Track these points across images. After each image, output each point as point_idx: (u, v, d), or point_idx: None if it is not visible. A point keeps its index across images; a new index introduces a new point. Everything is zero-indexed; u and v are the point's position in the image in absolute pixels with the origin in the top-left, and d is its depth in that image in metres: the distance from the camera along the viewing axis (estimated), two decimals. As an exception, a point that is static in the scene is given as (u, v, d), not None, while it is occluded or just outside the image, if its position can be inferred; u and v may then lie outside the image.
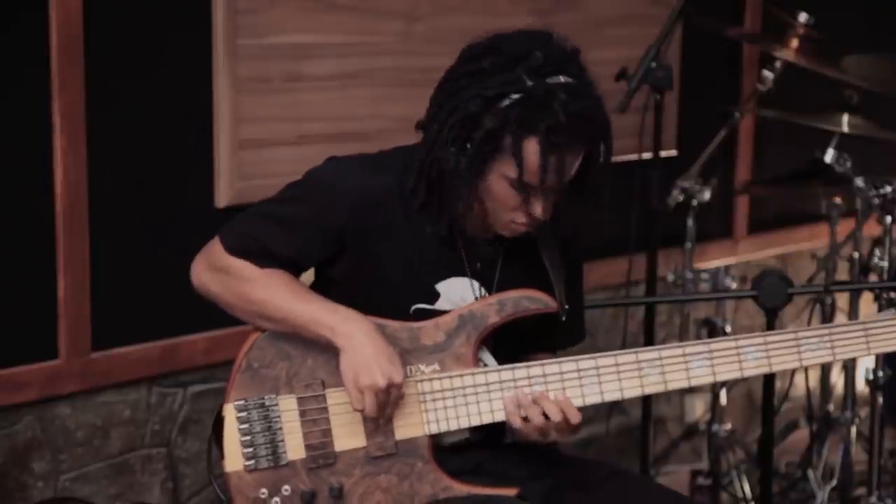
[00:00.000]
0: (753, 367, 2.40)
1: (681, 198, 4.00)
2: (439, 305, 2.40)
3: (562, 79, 2.26)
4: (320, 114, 3.51)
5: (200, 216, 3.30)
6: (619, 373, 2.37)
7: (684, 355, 2.38)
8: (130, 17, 3.19)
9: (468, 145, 2.26)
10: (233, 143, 3.35)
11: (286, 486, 2.37)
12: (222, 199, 3.36)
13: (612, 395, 2.37)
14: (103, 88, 3.14)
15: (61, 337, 3.17)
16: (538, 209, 2.30)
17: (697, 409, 4.68)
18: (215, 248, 2.40)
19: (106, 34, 3.14)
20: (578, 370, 2.37)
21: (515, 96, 2.24)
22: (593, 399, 2.38)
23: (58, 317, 3.16)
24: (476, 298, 2.42)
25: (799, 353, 2.41)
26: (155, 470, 3.41)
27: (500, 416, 2.37)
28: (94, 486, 3.30)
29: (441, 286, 2.40)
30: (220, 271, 2.39)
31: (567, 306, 2.44)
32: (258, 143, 3.39)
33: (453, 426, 2.37)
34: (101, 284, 3.21)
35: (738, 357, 2.39)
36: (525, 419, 2.34)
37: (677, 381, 2.38)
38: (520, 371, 2.37)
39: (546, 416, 2.33)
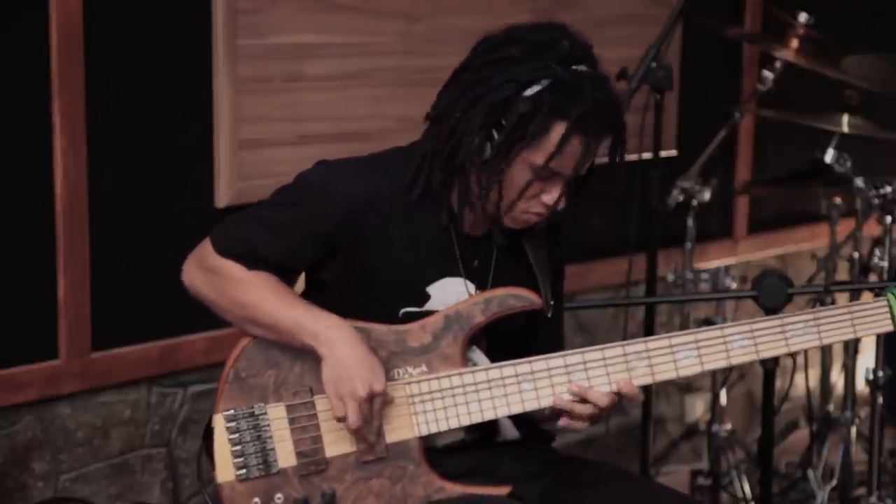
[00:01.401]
0: (741, 354, 2.39)
1: (681, 198, 4.00)
2: (429, 307, 2.39)
3: (585, 68, 2.29)
4: (321, 114, 3.51)
5: (200, 216, 3.30)
6: (607, 366, 2.37)
7: (671, 346, 2.38)
8: (130, 17, 3.19)
9: (495, 131, 2.27)
10: (233, 143, 3.35)
11: (279, 494, 2.36)
12: (222, 199, 3.36)
13: (601, 389, 2.36)
14: (103, 88, 3.15)
15: (61, 337, 3.17)
16: (556, 197, 2.31)
17: (697, 409, 4.68)
18: (206, 248, 2.40)
19: (106, 34, 3.14)
20: (566, 365, 2.37)
21: (546, 82, 2.25)
22: None
23: (58, 317, 3.16)
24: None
25: (786, 339, 2.39)
26: (155, 470, 3.41)
27: (489, 415, 2.37)
28: (94, 486, 3.30)
29: (433, 288, 2.39)
30: (209, 272, 2.38)
31: (552, 302, 2.44)
32: (258, 143, 3.40)
33: (443, 427, 2.37)
34: (101, 284, 3.21)
35: (725, 345, 2.39)
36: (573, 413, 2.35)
37: (665, 373, 2.38)
38: (507, 369, 2.36)
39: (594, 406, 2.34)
